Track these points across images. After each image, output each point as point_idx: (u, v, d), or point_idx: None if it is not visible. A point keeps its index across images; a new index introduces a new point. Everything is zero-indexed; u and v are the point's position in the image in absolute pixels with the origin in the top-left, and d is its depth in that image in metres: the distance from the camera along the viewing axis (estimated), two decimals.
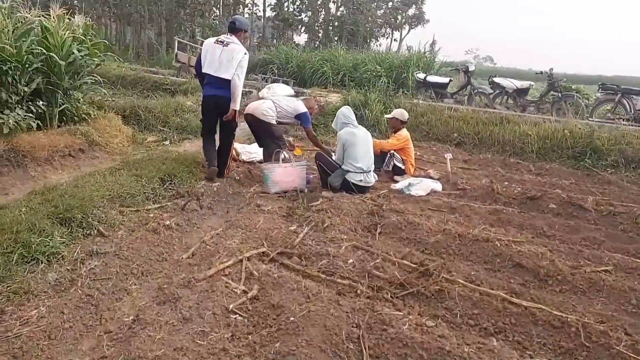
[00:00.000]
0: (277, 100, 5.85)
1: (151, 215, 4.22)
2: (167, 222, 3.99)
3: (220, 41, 5.27)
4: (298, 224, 4.30)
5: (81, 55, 6.53)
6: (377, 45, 27.96)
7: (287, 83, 14.11)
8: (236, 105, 5.25)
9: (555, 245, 4.23)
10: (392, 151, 6.27)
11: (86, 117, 7.07)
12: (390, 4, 32.01)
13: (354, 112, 9.43)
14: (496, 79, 10.42)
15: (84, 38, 6.83)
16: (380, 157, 6.35)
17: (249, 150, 6.60)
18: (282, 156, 5.46)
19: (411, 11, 32.23)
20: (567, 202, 5.38)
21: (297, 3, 30.38)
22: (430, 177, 6.35)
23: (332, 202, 4.79)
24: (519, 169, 7.22)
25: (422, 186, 5.75)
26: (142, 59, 24.37)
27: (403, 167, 6.34)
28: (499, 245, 3.91)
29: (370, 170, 5.31)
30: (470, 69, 10.67)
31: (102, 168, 5.58)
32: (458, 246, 3.99)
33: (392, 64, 14.37)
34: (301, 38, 31.62)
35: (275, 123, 5.73)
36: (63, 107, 6.32)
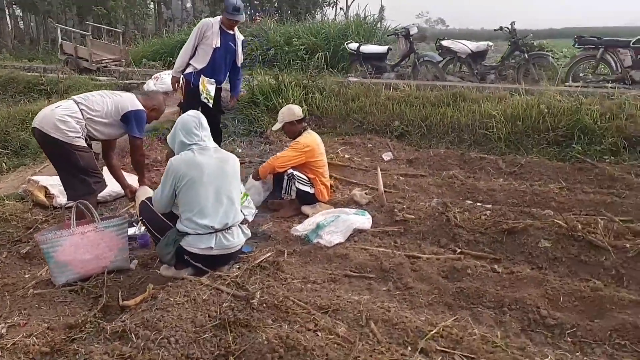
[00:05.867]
0: (85, 99, 3.45)
1: None
2: None
3: None
4: None
5: None
6: (323, 16, 25.37)
7: None
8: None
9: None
10: (290, 170, 4.05)
11: None
12: None
13: (262, 103, 7.10)
14: (445, 43, 8.12)
15: None
16: (278, 179, 4.15)
17: None
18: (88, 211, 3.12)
19: None
20: (566, 235, 3.35)
21: None
22: (356, 202, 4.21)
23: (157, 302, 2.57)
24: (483, 168, 5.16)
25: (338, 226, 3.60)
26: (50, 54, 21.24)
27: (312, 192, 4.16)
28: None
29: (231, 225, 2.97)
30: (411, 32, 8.35)
31: None
32: None
33: (329, 34, 12.04)
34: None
35: (80, 144, 3.33)
36: None
